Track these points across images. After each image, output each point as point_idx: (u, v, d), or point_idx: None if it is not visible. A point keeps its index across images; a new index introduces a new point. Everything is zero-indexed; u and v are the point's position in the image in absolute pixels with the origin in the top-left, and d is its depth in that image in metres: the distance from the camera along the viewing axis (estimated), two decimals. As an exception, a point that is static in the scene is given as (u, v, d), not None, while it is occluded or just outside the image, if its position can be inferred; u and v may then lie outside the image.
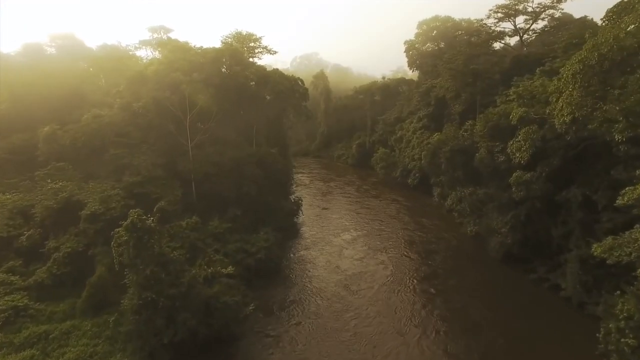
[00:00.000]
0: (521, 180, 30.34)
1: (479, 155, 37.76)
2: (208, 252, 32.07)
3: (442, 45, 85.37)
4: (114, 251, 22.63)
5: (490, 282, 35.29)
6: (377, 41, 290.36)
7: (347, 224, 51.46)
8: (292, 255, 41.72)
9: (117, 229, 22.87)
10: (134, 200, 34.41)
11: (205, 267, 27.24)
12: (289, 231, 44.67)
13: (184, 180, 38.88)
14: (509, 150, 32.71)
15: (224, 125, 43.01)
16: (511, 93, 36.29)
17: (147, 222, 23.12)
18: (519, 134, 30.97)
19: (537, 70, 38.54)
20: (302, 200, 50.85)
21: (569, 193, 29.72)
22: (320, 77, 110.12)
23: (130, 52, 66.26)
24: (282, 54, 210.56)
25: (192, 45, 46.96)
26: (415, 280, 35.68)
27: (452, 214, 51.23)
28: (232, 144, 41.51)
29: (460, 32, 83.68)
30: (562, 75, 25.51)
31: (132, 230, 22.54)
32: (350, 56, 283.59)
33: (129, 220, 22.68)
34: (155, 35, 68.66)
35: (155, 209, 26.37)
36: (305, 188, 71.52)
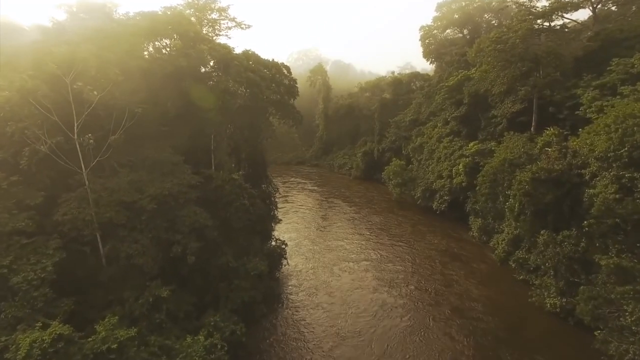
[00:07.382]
0: None
1: (597, 193, 20.88)
2: (71, 408, 15.45)
3: (465, 32, 70.32)
4: None
5: None
6: (381, 36, 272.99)
7: (353, 256, 39.09)
8: (267, 341, 25.54)
9: None
10: (-51, 285, 18.05)
11: None
12: (261, 306, 27.55)
13: (76, 236, 22.09)
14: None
15: (157, 137, 26.41)
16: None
17: None
18: None
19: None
20: (285, 245, 34.21)
21: None
22: (319, 71, 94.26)
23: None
24: (278, 50, 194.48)
25: (115, 11, 30.41)
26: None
27: (508, 263, 34.74)
28: (164, 168, 24.73)
29: (487, 16, 68.47)
30: None
31: None
32: (352, 52, 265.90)
33: None
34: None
35: None
36: (297, 209, 56.55)
